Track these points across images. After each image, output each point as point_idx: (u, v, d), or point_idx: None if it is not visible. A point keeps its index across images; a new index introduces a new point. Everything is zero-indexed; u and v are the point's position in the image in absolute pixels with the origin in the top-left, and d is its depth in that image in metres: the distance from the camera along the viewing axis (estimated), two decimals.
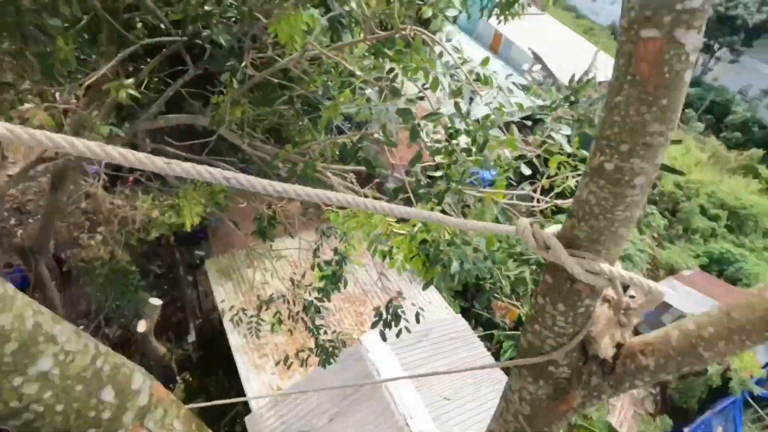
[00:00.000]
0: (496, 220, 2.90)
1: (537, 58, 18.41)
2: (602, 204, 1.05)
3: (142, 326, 8.48)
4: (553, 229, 1.20)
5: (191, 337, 10.71)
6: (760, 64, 24.57)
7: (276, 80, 3.28)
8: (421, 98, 2.51)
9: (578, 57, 20.47)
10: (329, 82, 2.28)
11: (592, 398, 1.34)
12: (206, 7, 2.56)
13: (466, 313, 11.27)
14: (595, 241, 1.11)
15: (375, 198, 3.18)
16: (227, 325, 8.77)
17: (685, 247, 17.28)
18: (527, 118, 3.11)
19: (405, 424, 7.63)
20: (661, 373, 1.21)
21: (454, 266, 2.28)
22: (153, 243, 12.17)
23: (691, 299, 13.62)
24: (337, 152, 3.01)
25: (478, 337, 10.01)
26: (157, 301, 8.77)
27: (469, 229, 1.13)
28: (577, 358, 1.32)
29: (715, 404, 12.25)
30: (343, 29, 3.05)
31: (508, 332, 10.82)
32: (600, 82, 18.67)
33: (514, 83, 2.74)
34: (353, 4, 3.28)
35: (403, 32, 2.18)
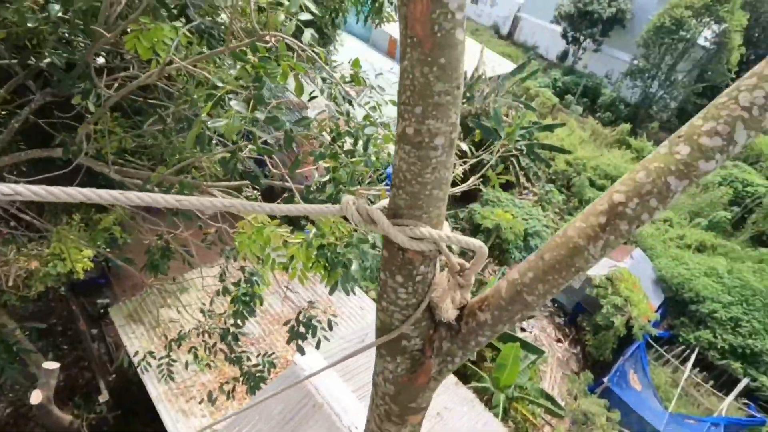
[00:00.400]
0: None
1: None
2: (412, 169, 1.09)
3: (36, 397, 7.34)
4: (379, 204, 1.22)
5: (103, 397, 9.51)
6: (617, 51, 28.32)
7: (142, 99, 3.01)
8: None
9: (468, 56, 21.95)
10: (194, 96, 2.13)
11: (447, 364, 1.39)
12: (29, 24, 2.23)
13: None
14: (414, 206, 1.15)
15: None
16: (143, 375, 7.94)
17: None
18: None
19: None
20: (498, 324, 1.29)
21: (354, 266, 2.27)
22: (42, 299, 10.65)
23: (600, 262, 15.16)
24: (218, 168, 2.85)
25: None
26: (52, 365, 7.65)
27: (297, 212, 1.11)
28: (427, 327, 1.36)
29: (625, 351, 13.78)
30: (213, 40, 2.90)
31: None
32: (490, 77, 20.16)
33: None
34: (223, 16, 3.14)
35: (265, 38, 2.11)
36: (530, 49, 32.39)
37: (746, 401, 14.05)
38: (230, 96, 1.96)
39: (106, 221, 4.93)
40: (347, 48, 16.35)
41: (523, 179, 18.36)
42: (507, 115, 19.91)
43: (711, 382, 14.48)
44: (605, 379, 13.24)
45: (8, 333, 7.58)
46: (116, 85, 3.01)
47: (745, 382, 14.11)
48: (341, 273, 2.27)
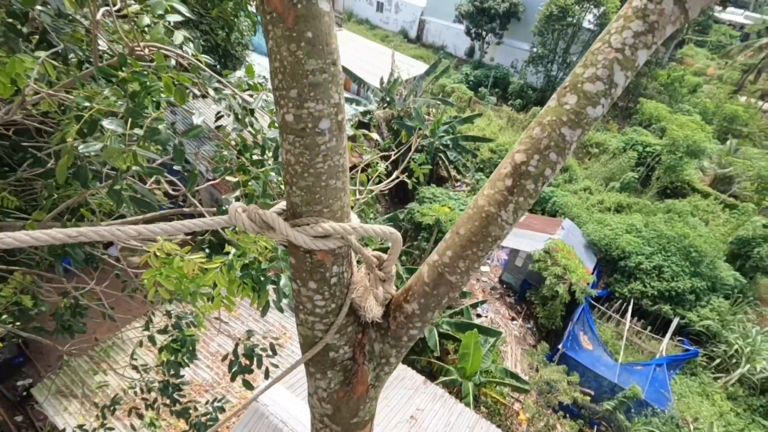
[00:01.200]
0: None
1: (345, 71, 19.55)
2: (301, 161, 0.98)
3: None
4: (277, 207, 1.10)
5: None
6: (517, 42, 30.44)
7: (11, 141, 2.64)
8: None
9: (381, 61, 22.43)
10: (65, 126, 1.87)
11: (383, 367, 1.29)
12: None
13: None
14: (312, 201, 1.04)
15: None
16: None
17: None
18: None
19: None
20: (426, 312, 1.22)
21: (283, 281, 2.13)
22: None
23: (530, 237, 16.04)
24: (111, 202, 2.56)
25: None
26: None
27: (175, 231, 0.96)
28: (353, 332, 1.25)
29: (572, 316, 14.65)
30: (84, 66, 2.62)
31: None
32: (406, 80, 20.67)
33: None
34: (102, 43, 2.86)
35: (138, 51, 1.93)
36: (439, 49, 33.88)
37: (680, 338, 15.52)
38: (99, 117, 1.73)
39: (6, 291, 4.31)
40: (262, 66, 15.97)
41: (453, 172, 19.02)
42: (428, 114, 20.57)
43: (649, 328, 15.84)
44: (560, 346, 13.97)
45: None
46: None
47: (676, 321, 15.59)
48: (269, 292, 2.12)
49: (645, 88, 29.63)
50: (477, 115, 19.50)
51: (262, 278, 2.13)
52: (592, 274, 15.81)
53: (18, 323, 4.80)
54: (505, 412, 11.95)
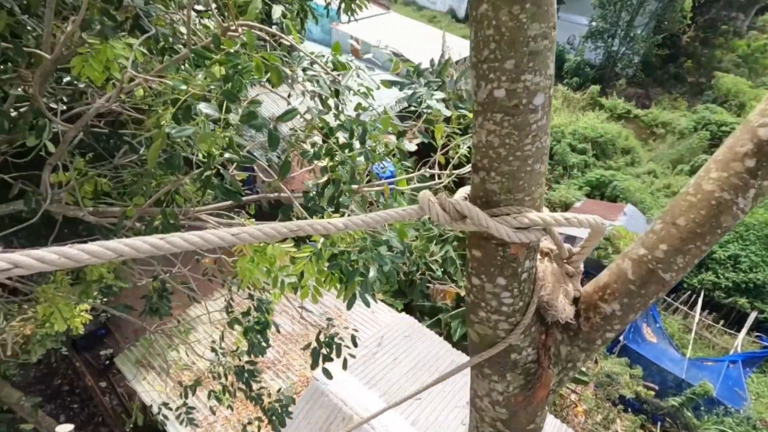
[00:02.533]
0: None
1: (396, 54, 19.28)
2: (507, 142, 0.87)
3: None
4: (460, 194, 0.99)
5: None
6: (574, 16, 28.54)
7: (109, 131, 2.77)
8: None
9: (430, 43, 21.87)
10: (161, 110, 1.89)
11: (568, 371, 1.17)
12: None
13: (408, 309, 11.28)
14: (514, 188, 0.93)
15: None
16: (161, 423, 7.63)
17: (568, 183, 19.37)
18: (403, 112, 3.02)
19: None
20: (629, 314, 1.07)
21: (372, 273, 2.06)
22: (42, 362, 10.22)
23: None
24: (199, 190, 2.61)
25: (426, 326, 10.04)
26: (66, 428, 7.29)
27: (375, 224, 0.88)
28: (537, 333, 1.14)
29: None
30: (174, 52, 2.66)
31: (451, 313, 11.05)
32: (456, 61, 20.16)
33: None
34: (182, 28, 2.91)
35: (231, 32, 1.90)
36: None
37: (758, 334, 14.25)
38: (194, 102, 1.73)
39: (96, 272, 4.65)
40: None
41: None
42: None
43: (722, 322, 14.66)
44: (621, 338, 13.28)
45: (13, 404, 7.21)
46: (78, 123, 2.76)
47: (753, 315, 14.30)
48: (359, 283, 2.07)
49: (720, 60, 26.88)
50: None
51: (351, 269, 2.08)
52: None
53: (105, 300, 5.19)
54: (561, 403, 11.60)
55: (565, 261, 1.13)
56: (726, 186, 0.94)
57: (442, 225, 0.94)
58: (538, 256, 1.12)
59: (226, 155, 1.91)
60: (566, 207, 18.11)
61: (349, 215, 2.45)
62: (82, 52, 1.98)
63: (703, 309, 14.80)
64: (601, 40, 26.03)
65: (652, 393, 12.37)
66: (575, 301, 1.13)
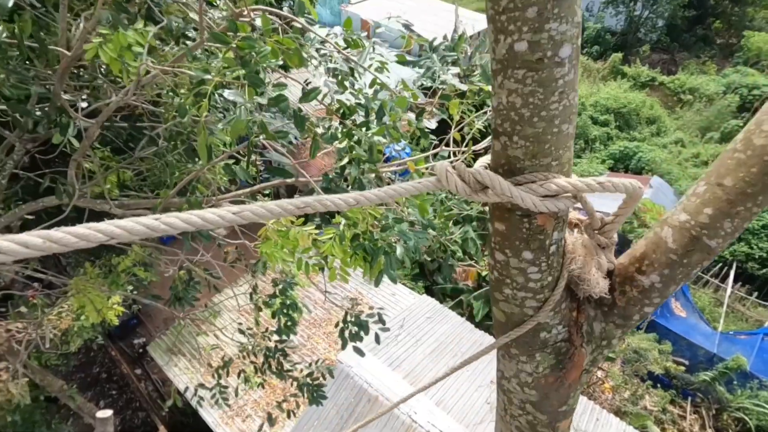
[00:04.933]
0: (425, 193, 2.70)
1: (407, 27, 18.91)
2: (531, 101, 0.79)
3: None
4: (481, 163, 0.92)
5: None
6: None
7: (128, 125, 2.80)
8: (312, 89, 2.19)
9: (443, 19, 21.30)
10: (180, 100, 1.89)
11: (602, 349, 1.10)
12: None
13: (429, 291, 11.29)
14: (540, 153, 0.85)
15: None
16: (196, 405, 7.94)
17: (591, 156, 18.84)
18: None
19: (412, 421, 7.44)
20: (670, 286, 0.98)
21: (399, 250, 2.05)
22: (80, 351, 10.70)
23: (612, 198, 14.86)
24: (226, 178, 2.63)
25: (449, 308, 10.05)
26: (106, 413, 7.67)
27: (387, 198, 0.84)
28: (568, 309, 1.06)
29: None
30: (188, 40, 2.65)
31: (474, 294, 11.00)
32: (470, 36, 19.65)
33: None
34: (193, 15, 2.88)
35: (242, 17, 1.87)
36: None
37: None
38: (220, 90, 1.72)
39: (125, 264, 4.80)
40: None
41: None
42: None
43: (755, 294, 14.19)
44: (651, 316, 13.02)
45: (56, 392, 7.60)
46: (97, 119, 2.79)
47: None
48: (384, 261, 2.06)
49: (752, 19, 25.33)
50: None
51: (375, 248, 2.07)
52: None
53: (136, 291, 5.36)
54: (587, 380, 11.53)
55: (597, 231, 1.04)
56: None
57: (463, 197, 0.88)
58: (567, 227, 1.05)
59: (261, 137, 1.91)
60: None
61: None
62: (95, 41, 1.98)
63: (735, 281, 14.33)
64: (623, 4, 24.86)
65: (683, 368, 12.14)
66: (609, 274, 1.06)
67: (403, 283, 10.31)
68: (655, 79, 22.50)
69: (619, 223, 1.03)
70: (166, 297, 4.42)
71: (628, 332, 1.17)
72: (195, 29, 2.38)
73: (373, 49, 2.20)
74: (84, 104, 3.18)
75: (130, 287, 5.04)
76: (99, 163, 2.68)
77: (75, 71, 3.00)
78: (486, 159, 0.94)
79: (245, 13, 1.80)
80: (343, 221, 2.08)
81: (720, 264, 14.79)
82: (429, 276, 11.84)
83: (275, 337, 3.87)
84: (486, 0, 0.76)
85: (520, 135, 0.84)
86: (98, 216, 3.27)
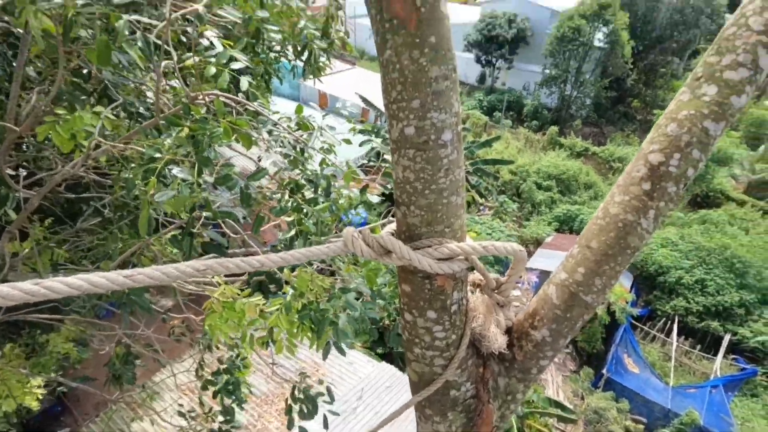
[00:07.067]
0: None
1: (363, 100, 20.15)
2: (422, 177, 0.92)
3: None
4: (387, 229, 1.03)
5: None
6: (528, 65, 30.77)
7: (73, 197, 2.74)
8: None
9: None
10: (129, 176, 1.92)
11: (509, 405, 1.17)
12: None
13: (388, 357, 10.98)
14: (434, 221, 0.97)
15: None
16: None
17: (538, 219, 20.02)
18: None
19: None
20: (559, 339, 1.10)
21: (343, 320, 2.07)
22: None
23: (560, 258, 15.56)
24: (172, 250, 2.59)
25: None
26: None
27: (294, 261, 0.91)
28: (475, 366, 1.14)
29: (614, 338, 13.96)
30: (143, 119, 2.73)
31: None
32: None
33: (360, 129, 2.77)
34: (150, 94, 3.00)
35: (198, 100, 1.99)
36: None
37: (734, 356, 14.53)
38: (170, 167, 1.78)
39: (55, 341, 4.38)
40: (278, 107, 16.59)
41: (476, 196, 18.92)
42: None
43: (698, 347, 14.91)
44: (604, 371, 13.25)
45: None
46: (43, 187, 2.72)
47: (727, 338, 14.64)
48: (331, 331, 2.06)
49: (663, 99, 29.30)
50: (495, 138, 19.57)
51: (321, 318, 2.08)
52: (630, 292, 15.16)
53: (62, 372, 4.84)
54: None
55: (494, 291, 1.14)
56: (628, 208, 1.02)
57: (367, 259, 0.98)
58: (470, 288, 1.15)
59: (205, 213, 1.95)
60: (538, 243, 18.57)
61: (315, 268, 2.48)
62: (49, 121, 2.01)
63: (679, 335, 15.05)
64: (555, 85, 28.04)
65: (641, 427, 12.22)
66: (508, 330, 1.15)
67: (361, 350, 9.99)
68: (588, 149, 24.97)
69: (512, 282, 1.14)
70: (100, 378, 4.02)
71: (530, 387, 1.23)
72: (150, 107, 2.47)
73: (321, 134, 2.39)
74: (24, 172, 3.10)
75: (56, 369, 4.56)
76: (33, 239, 2.57)
77: (19, 141, 2.96)
78: (392, 226, 1.05)
79: (200, 97, 1.93)
80: (291, 291, 2.10)
81: (664, 319, 15.58)
82: (384, 341, 11.56)
83: (220, 418, 3.59)
84: (382, 92, 0.92)
85: (415, 205, 0.96)
86: None
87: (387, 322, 3.51)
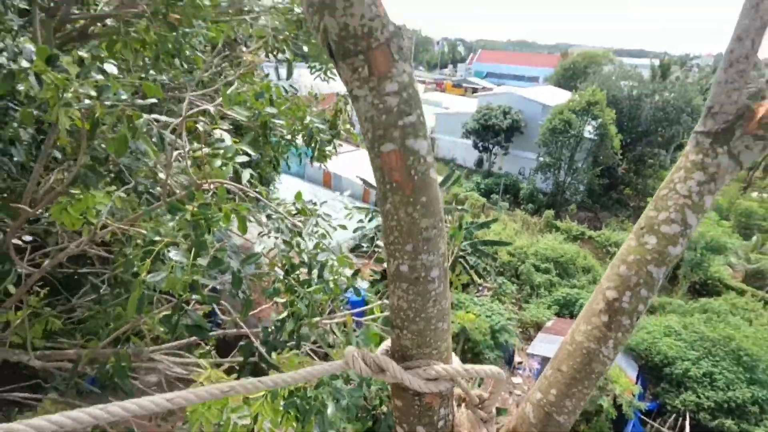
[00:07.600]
0: (376, 338, 2.77)
1: (365, 182, 20.88)
2: (413, 306, 1.06)
3: None
4: (383, 347, 1.16)
5: None
6: (523, 152, 32.60)
7: (72, 270, 2.81)
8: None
9: None
10: (129, 256, 2.02)
11: None
12: None
13: None
14: (422, 344, 1.10)
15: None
16: None
17: (537, 302, 19.72)
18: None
19: None
20: None
21: (330, 409, 2.01)
22: None
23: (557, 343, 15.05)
24: (162, 329, 2.59)
25: None
26: None
27: (296, 381, 1.00)
28: None
29: None
30: (153, 199, 2.89)
31: None
32: None
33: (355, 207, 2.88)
34: (162, 175, 3.20)
35: (203, 187, 2.15)
36: (450, 161, 36.29)
37: None
38: (169, 249, 1.88)
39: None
40: (285, 185, 17.27)
41: (475, 277, 18.83)
42: (446, 221, 21.18)
43: None
44: None
45: None
46: (46, 262, 2.80)
47: None
48: (316, 420, 1.99)
49: (653, 188, 30.49)
50: (493, 220, 20.01)
51: (307, 407, 2.03)
52: (636, 383, 14.42)
53: None
54: None
55: (477, 407, 1.22)
56: (591, 337, 1.14)
57: (365, 375, 1.06)
58: (455, 404, 1.21)
59: (194, 296, 2.01)
60: (538, 327, 18.09)
61: (307, 350, 2.47)
62: (62, 201, 2.16)
63: None
64: (549, 171, 29.40)
65: None
66: None
67: None
68: (585, 233, 25.40)
69: (494, 401, 1.21)
70: None
71: None
72: (160, 188, 2.65)
73: (317, 223, 2.54)
74: (29, 237, 3.20)
75: None
76: (28, 306, 2.59)
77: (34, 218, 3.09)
78: (387, 344, 1.18)
79: (205, 184, 2.09)
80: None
81: (674, 414, 14.63)
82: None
83: None
84: (381, 235, 1.06)
85: (408, 329, 1.10)
86: (13, 367, 2.98)
87: (379, 410, 3.38)
